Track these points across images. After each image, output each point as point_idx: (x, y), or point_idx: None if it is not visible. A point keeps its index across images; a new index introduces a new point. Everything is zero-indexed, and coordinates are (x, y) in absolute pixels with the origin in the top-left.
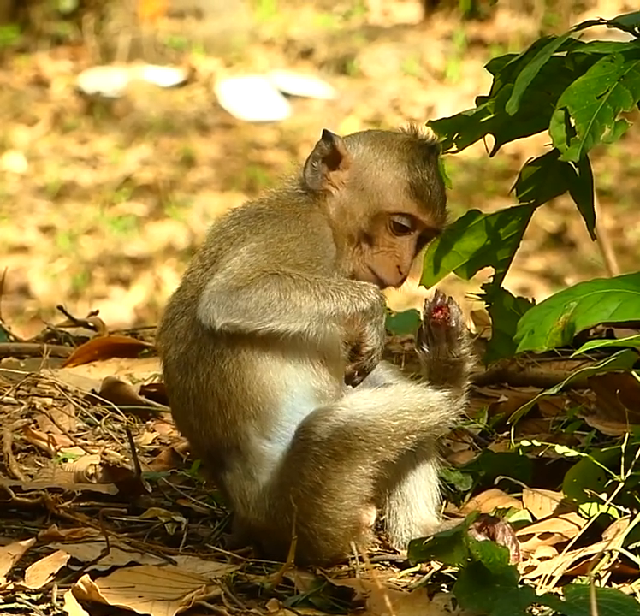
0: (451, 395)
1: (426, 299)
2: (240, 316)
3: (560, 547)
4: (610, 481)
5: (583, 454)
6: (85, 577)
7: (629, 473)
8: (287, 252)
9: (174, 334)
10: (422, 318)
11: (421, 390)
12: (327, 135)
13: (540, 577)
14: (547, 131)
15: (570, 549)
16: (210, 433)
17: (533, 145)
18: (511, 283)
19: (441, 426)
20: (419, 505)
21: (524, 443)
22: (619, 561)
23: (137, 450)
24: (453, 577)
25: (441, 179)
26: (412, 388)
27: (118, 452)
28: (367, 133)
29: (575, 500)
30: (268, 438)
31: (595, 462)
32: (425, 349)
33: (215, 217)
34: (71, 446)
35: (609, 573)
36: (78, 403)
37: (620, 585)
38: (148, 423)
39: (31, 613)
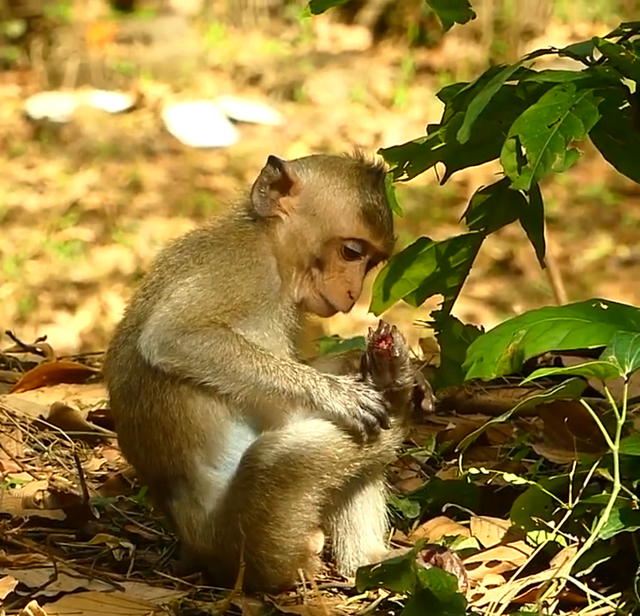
0: (393, 424)
1: (369, 329)
2: (180, 361)
3: (507, 574)
4: (558, 509)
5: (531, 482)
6: (33, 603)
7: (576, 501)
8: (234, 288)
9: (116, 363)
10: (366, 348)
11: None
12: (275, 161)
13: (488, 604)
14: (497, 159)
15: (517, 577)
16: (156, 461)
17: (481, 173)
18: (457, 310)
19: (385, 454)
20: (367, 533)
21: (472, 471)
22: (567, 589)
23: (85, 476)
24: (400, 604)
25: (388, 205)
26: None
27: (66, 478)
28: (314, 158)
29: (523, 527)
30: (214, 466)
31: (543, 490)
32: (369, 378)
33: (162, 243)
34: (19, 471)
35: (557, 601)
36: (26, 428)
37: (568, 613)
38: (96, 448)
39: None
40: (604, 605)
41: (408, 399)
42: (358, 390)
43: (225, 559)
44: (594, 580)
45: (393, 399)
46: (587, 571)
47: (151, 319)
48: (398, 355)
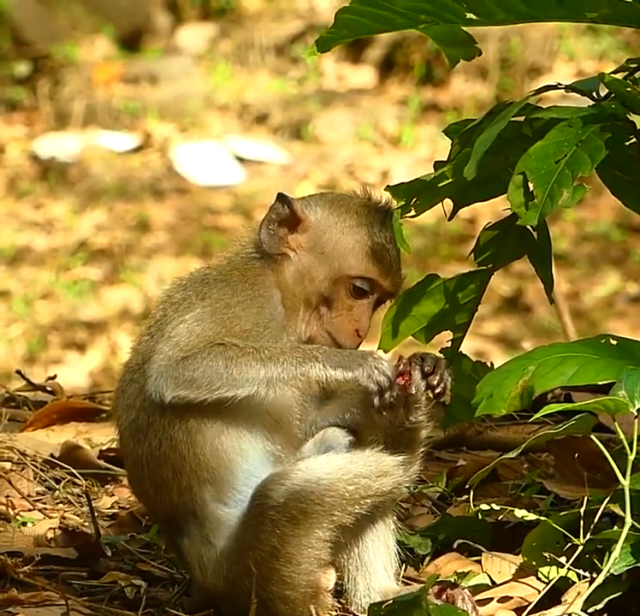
0: (405, 461)
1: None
2: (188, 388)
3: (519, 610)
4: (569, 544)
5: (542, 518)
6: None
7: (588, 537)
8: (233, 318)
9: (124, 401)
10: None
11: (375, 455)
12: (283, 198)
13: None
14: (504, 195)
15: (529, 613)
16: (166, 499)
17: (488, 210)
18: (466, 347)
19: (396, 491)
20: (378, 570)
21: (483, 507)
22: None
23: (96, 514)
24: None
25: (396, 243)
26: (367, 453)
27: (77, 516)
28: (322, 196)
29: (534, 563)
30: (225, 503)
31: (555, 526)
32: (383, 412)
33: (170, 282)
34: (30, 510)
35: None
36: (37, 467)
37: None
38: (107, 487)
39: None
40: None
41: (421, 437)
42: (368, 355)
43: (236, 597)
44: (605, 615)
45: (404, 435)
46: (599, 607)
47: (152, 362)
48: (414, 393)
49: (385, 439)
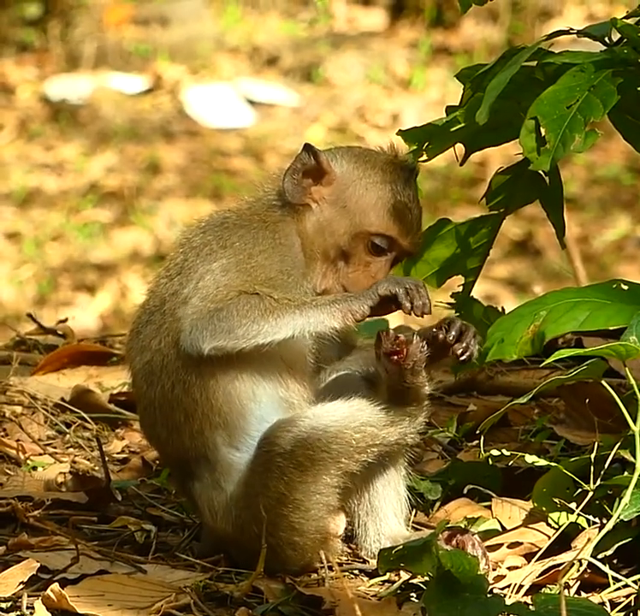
0: (410, 412)
1: (382, 333)
2: (225, 338)
3: (529, 556)
4: (579, 490)
5: (553, 464)
6: (55, 586)
7: (598, 482)
8: (257, 268)
9: (139, 343)
10: (379, 351)
11: (382, 405)
12: (310, 149)
13: (509, 586)
14: (516, 140)
15: (539, 559)
16: (178, 443)
17: (499, 154)
18: (476, 290)
19: (401, 441)
20: (388, 515)
21: (494, 452)
22: (588, 570)
23: (106, 458)
24: (422, 586)
25: (419, 203)
26: (374, 403)
27: (88, 460)
28: (349, 150)
29: (544, 509)
30: (236, 448)
31: (565, 471)
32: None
33: (180, 224)
34: (40, 454)
35: (578, 582)
36: (47, 411)
37: (589, 594)
38: (117, 431)
39: None
40: (625, 586)
41: (422, 394)
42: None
43: (245, 542)
44: (615, 561)
45: (406, 392)
46: (608, 553)
47: (185, 316)
48: (408, 367)
49: (388, 393)
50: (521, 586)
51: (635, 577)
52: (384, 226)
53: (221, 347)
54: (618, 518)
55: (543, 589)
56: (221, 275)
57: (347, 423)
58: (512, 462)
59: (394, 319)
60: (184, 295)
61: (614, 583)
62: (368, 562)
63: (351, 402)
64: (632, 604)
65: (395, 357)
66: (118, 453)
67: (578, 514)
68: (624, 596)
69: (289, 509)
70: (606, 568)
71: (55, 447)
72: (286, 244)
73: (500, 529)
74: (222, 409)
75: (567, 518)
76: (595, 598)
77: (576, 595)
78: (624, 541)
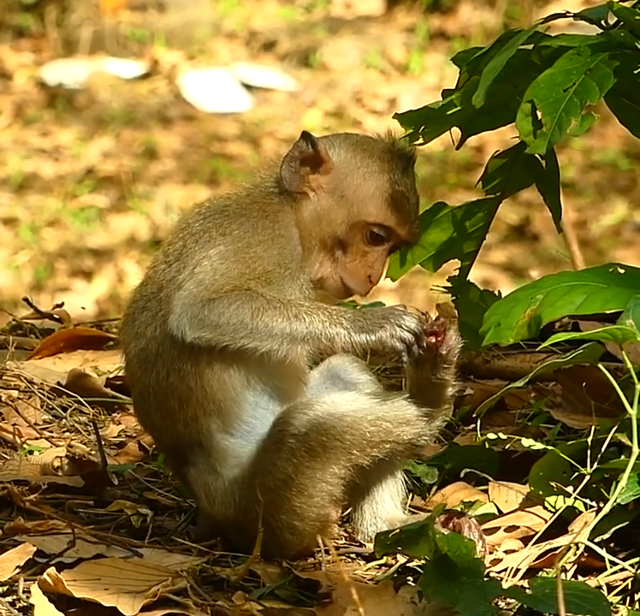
0: (428, 413)
1: (425, 314)
2: (211, 332)
3: (525, 540)
4: (576, 474)
5: (550, 447)
6: (52, 570)
7: (595, 466)
8: (256, 259)
9: (134, 329)
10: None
11: (401, 402)
12: (308, 137)
13: (506, 569)
14: (512, 124)
15: (536, 542)
16: (172, 429)
17: (496, 138)
18: (473, 275)
19: (414, 442)
20: (385, 499)
21: (490, 436)
22: (585, 554)
23: (103, 442)
24: (419, 569)
25: (416, 192)
26: (393, 398)
27: (84, 444)
28: (347, 138)
29: (541, 493)
30: (230, 434)
31: (562, 455)
32: (416, 365)
33: (177, 209)
34: (37, 438)
35: (575, 566)
36: (43, 395)
37: (586, 578)
38: (114, 415)
39: None
40: (622, 570)
41: (446, 393)
42: (390, 314)
43: (247, 524)
44: (612, 545)
45: (430, 389)
46: (605, 536)
47: (177, 298)
48: (443, 354)
49: (411, 387)
50: (518, 570)
51: (632, 561)
52: (382, 216)
53: (205, 339)
54: (615, 501)
55: (540, 573)
56: (219, 263)
57: (364, 415)
58: (508, 446)
59: (391, 304)
60: (179, 280)
61: (611, 567)
62: (364, 546)
63: (369, 395)
64: (629, 588)
65: (434, 339)
66: (114, 438)
67: (575, 498)
68: (621, 580)
69: (293, 493)
70: (603, 552)
71: (51, 431)
72: (285, 235)
73: (496, 512)
74: (216, 396)
75: (564, 502)
76: (592, 582)
77: (572, 579)
78: (621, 525)
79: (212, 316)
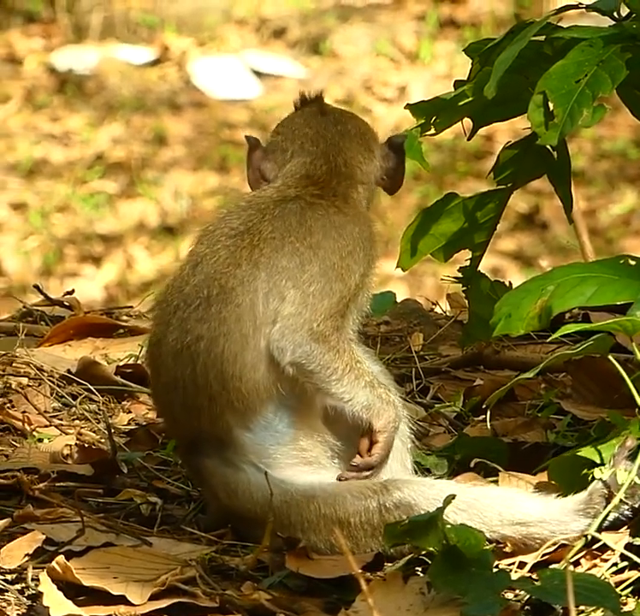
0: None
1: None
2: (310, 365)
3: None
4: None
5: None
6: (60, 558)
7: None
8: (348, 272)
9: (177, 320)
10: None
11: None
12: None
13: (515, 562)
14: (524, 115)
15: None
16: (195, 424)
17: (506, 128)
18: (482, 264)
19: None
20: None
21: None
22: (595, 546)
23: (112, 430)
24: (428, 560)
25: None
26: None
27: (94, 432)
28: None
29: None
30: (248, 428)
31: (583, 456)
32: None
33: (186, 196)
34: (46, 426)
35: (585, 558)
36: (53, 383)
37: (596, 571)
38: (123, 403)
39: (5, 593)
40: (635, 565)
41: None
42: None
43: (265, 519)
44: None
45: None
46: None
47: (279, 322)
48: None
49: None
50: (526, 562)
51: None
52: None
53: (300, 367)
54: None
55: (550, 566)
56: (314, 286)
57: None
58: (518, 436)
59: (401, 293)
60: (265, 290)
61: (622, 560)
62: None
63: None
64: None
65: None
66: (124, 426)
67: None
68: (630, 572)
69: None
70: (613, 544)
71: (61, 419)
72: (368, 238)
73: None
74: (246, 397)
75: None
76: (600, 573)
77: (582, 572)
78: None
79: (315, 353)
